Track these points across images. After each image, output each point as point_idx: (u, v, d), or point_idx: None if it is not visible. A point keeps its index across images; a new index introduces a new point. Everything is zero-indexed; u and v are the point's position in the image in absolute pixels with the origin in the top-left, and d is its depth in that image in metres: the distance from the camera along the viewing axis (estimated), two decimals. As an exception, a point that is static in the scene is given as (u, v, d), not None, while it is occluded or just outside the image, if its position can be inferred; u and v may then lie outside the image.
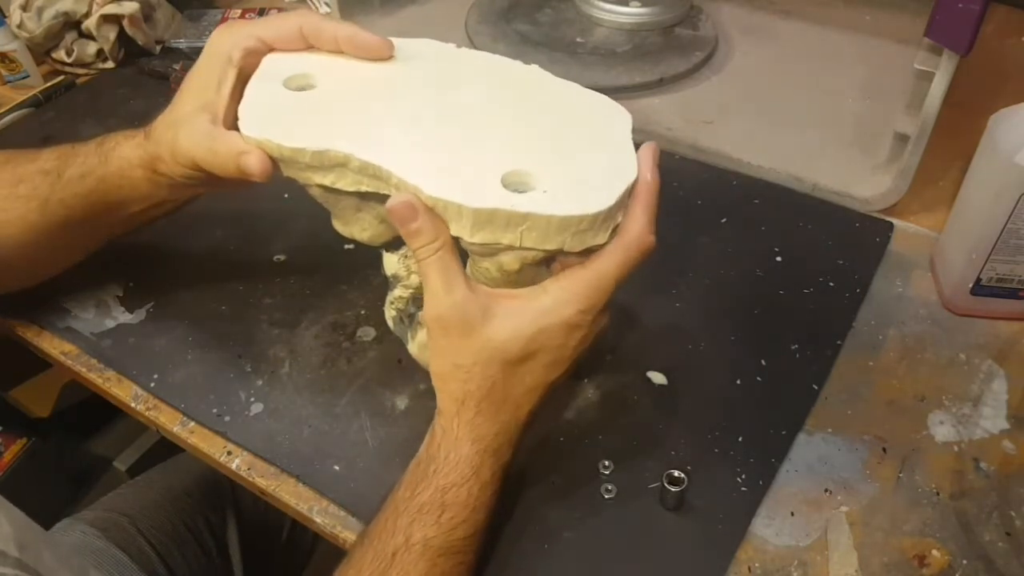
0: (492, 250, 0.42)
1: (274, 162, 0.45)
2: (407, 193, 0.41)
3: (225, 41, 0.47)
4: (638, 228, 0.41)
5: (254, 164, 0.44)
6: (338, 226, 0.52)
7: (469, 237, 0.41)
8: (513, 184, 0.41)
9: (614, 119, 0.46)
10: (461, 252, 0.43)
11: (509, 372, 0.42)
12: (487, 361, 0.41)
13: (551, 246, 0.41)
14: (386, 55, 0.48)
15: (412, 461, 0.43)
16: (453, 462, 0.42)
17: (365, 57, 0.48)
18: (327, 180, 0.45)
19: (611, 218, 0.41)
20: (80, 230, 0.54)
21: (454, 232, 0.41)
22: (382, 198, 0.50)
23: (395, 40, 0.49)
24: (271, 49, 0.48)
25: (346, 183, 0.45)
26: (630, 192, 0.42)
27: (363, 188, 0.45)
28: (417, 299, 0.49)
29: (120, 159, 0.51)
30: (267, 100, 0.46)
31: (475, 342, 0.41)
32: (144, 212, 0.54)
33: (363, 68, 0.48)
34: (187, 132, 0.47)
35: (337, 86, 0.47)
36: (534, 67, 0.49)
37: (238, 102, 0.46)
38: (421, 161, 0.42)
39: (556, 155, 0.43)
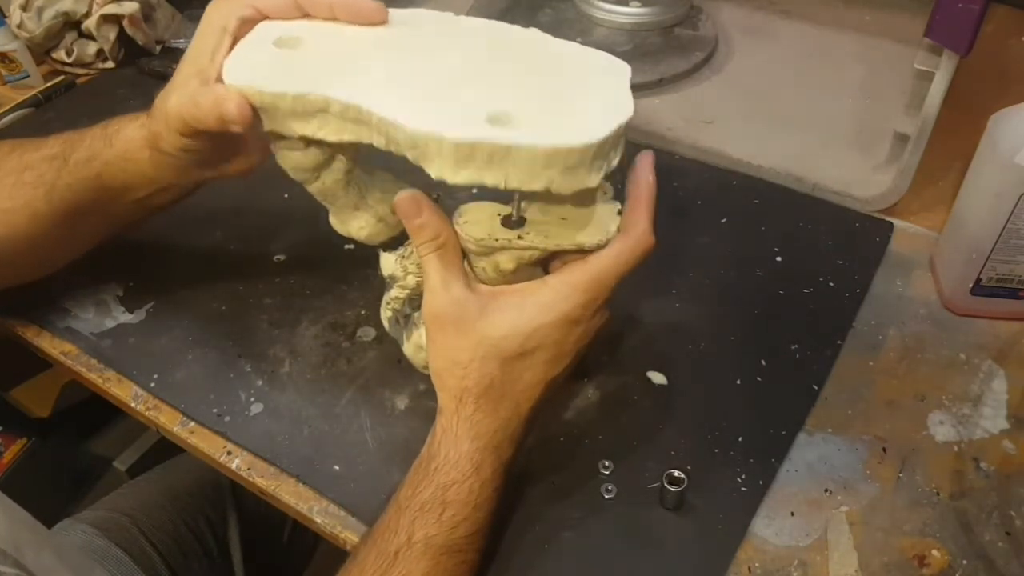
0: (488, 248, 0.42)
1: (256, 113, 0.44)
2: (413, 190, 0.42)
3: (221, 11, 0.47)
4: (643, 226, 0.42)
5: (232, 109, 0.43)
6: (336, 224, 0.52)
7: (452, 177, 0.39)
8: (499, 123, 0.39)
9: (612, 70, 0.45)
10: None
11: (507, 368, 0.42)
12: (484, 357, 0.41)
13: (537, 185, 0.39)
14: (380, 20, 0.47)
15: (415, 460, 0.44)
16: (453, 460, 0.42)
17: (360, 23, 0.47)
18: (309, 129, 0.44)
19: (603, 156, 0.40)
20: (85, 219, 0.54)
21: (435, 174, 0.40)
22: (380, 197, 0.50)
23: (392, 10, 0.48)
24: (266, 18, 0.48)
25: (329, 132, 0.44)
26: (623, 133, 0.40)
27: (346, 137, 0.44)
28: (413, 300, 0.49)
29: (125, 140, 0.51)
30: (253, 55, 0.46)
31: (471, 338, 0.41)
32: (149, 199, 0.54)
33: (356, 31, 0.47)
34: (177, 95, 0.47)
35: (326, 44, 0.46)
36: (533, 29, 0.48)
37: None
38: (404, 100, 0.41)
39: (546, 96, 0.42)
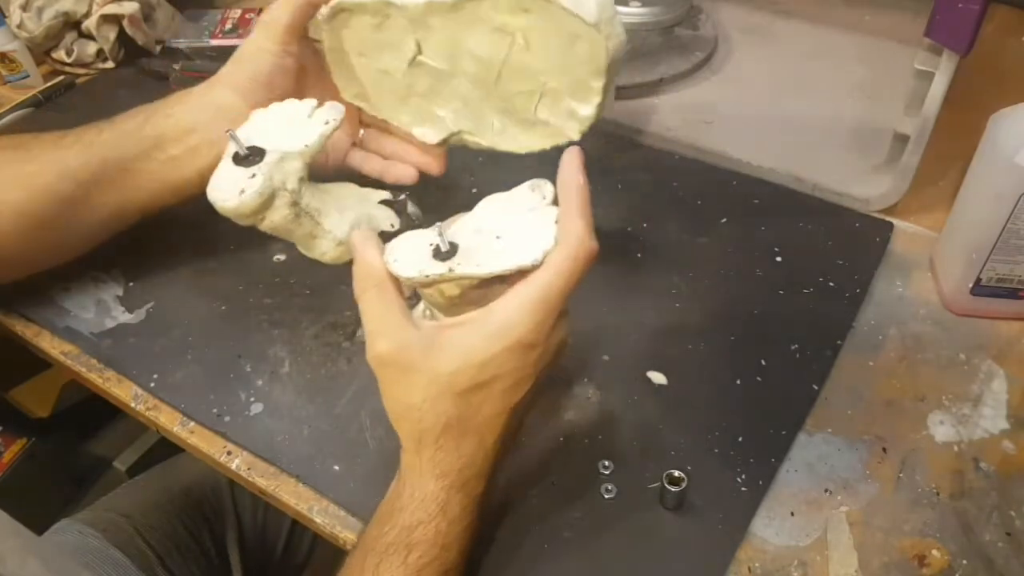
0: (421, 284, 0.41)
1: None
2: (365, 229, 0.44)
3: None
4: (578, 233, 0.39)
5: None
6: (302, 250, 0.52)
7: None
8: None
9: None
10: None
11: (463, 403, 0.40)
12: (436, 396, 0.39)
13: None
14: None
15: (383, 499, 0.42)
16: (419, 499, 0.40)
17: None
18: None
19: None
20: (107, 188, 0.55)
21: None
22: (337, 219, 0.51)
23: None
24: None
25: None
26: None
27: None
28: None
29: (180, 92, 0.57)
30: None
31: (421, 378, 0.39)
32: (171, 165, 0.55)
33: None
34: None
35: None
36: None
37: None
38: None
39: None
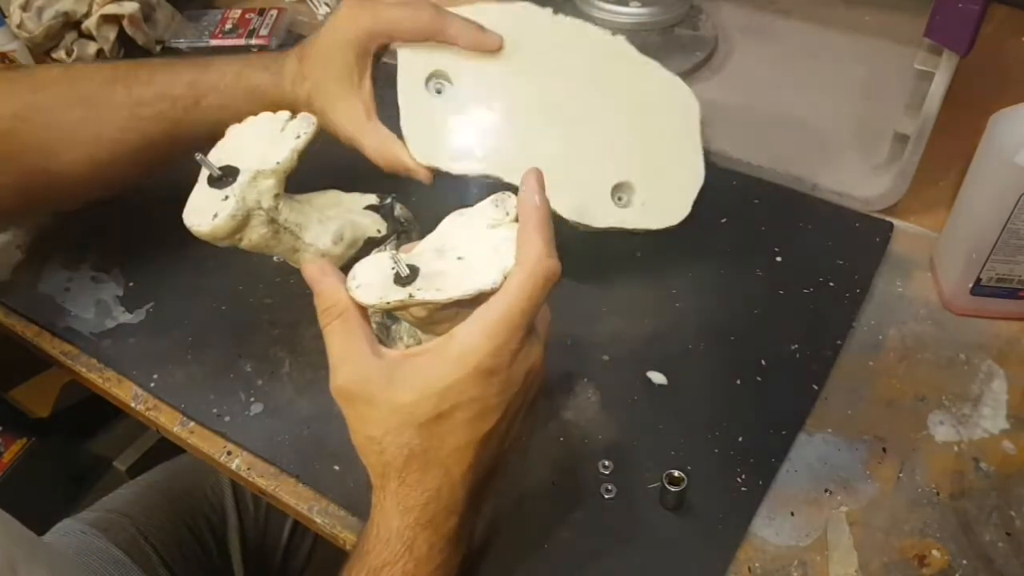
0: (383, 310, 0.41)
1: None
2: (319, 259, 0.45)
3: (360, 28, 0.54)
4: (536, 253, 0.38)
5: (424, 178, 0.56)
6: (290, 263, 0.52)
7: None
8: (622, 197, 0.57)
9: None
10: None
11: (426, 435, 0.38)
12: (398, 428, 0.38)
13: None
14: (498, 47, 0.56)
15: (355, 542, 0.41)
16: (384, 539, 0.39)
17: (478, 50, 0.55)
18: None
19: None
20: (177, 150, 0.57)
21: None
22: (319, 230, 0.52)
23: (497, 11, 0.56)
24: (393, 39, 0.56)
25: None
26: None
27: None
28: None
29: (260, 96, 0.58)
30: (420, 114, 0.55)
31: (381, 410, 0.38)
32: None
33: (483, 65, 0.56)
34: (345, 115, 0.55)
35: (467, 90, 0.56)
36: (620, 39, 0.59)
37: (374, 84, 0.56)
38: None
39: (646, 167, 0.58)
